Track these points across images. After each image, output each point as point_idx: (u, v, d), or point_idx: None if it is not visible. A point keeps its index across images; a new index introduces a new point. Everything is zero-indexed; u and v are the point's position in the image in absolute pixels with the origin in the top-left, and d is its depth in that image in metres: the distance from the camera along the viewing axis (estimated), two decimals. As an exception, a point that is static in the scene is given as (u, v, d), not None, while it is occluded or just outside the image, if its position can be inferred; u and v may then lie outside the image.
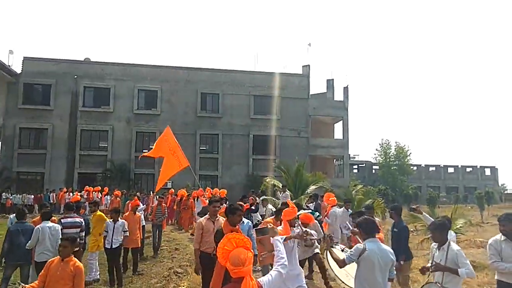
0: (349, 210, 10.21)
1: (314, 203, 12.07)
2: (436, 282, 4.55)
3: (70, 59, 31.60)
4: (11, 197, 25.19)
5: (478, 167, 58.76)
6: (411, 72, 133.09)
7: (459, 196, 43.67)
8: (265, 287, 2.85)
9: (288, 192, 15.49)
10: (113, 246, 8.19)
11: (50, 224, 6.94)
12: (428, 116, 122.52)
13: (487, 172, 59.43)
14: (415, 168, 53.23)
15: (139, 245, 9.86)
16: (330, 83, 36.46)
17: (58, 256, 4.91)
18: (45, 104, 30.02)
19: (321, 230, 8.72)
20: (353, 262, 4.24)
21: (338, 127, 37.49)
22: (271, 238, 3.67)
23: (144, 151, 30.47)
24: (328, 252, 4.75)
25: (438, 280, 4.54)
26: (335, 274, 4.81)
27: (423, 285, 4.78)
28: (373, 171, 54.86)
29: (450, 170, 57.98)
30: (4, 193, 25.66)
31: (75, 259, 4.85)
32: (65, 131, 30.22)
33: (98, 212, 9.00)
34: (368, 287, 4.12)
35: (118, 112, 31.09)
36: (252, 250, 2.86)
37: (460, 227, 12.08)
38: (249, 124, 32.74)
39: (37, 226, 6.82)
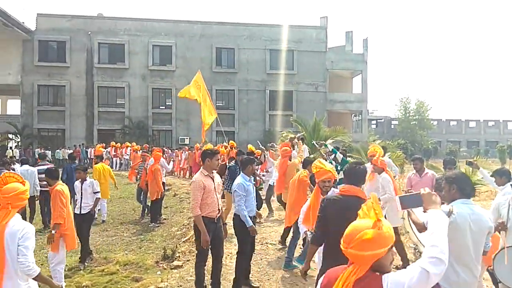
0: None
1: (334, 155, 11.67)
2: None
3: (83, 15, 31.21)
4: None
5: (501, 121, 57.23)
6: (432, 24, 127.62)
7: (480, 150, 42.83)
8: None
9: (305, 146, 15.29)
10: (82, 212, 6.89)
11: (27, 167, 9.22)
12: (450, 70, 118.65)
13: (510, 126, 57.92)
14: (435, 122, 52.11)
15: (158, 197, 9.88)
16: (349, 35, 35.11)
17: None
18: (60, 61, 29.98)
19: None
20: None
21: (356, 81, 36.63)
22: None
23: (161, 107, 31.10)
24: (407, 212, 3.69)
25: None
26: (418, 239, 3.68)
27: (499, 251, 3.96)
28: (392, 126, 54.01)
29: (472, 124, 56.63)
30: (37, 149, 26.15)
31: None
32: (82, 88, 30.36)
33: (97, 165, 10.22)
34: (454, 259, 3.07)
35: (133, 69, 30.92)
36: (380, 223, 1.84)
37: (482, 178, 11.86)
38: (265, 79, 32.22)
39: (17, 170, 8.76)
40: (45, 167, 8.40)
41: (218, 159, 5.20)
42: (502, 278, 3.96)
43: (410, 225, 3.64)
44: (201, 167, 5.11)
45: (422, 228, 3.30)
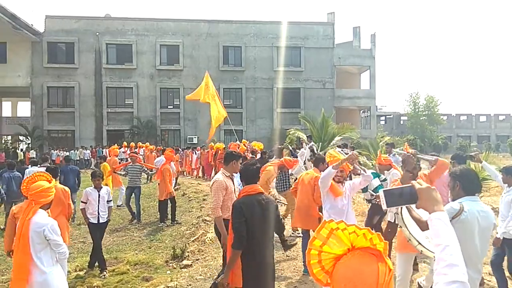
0: None
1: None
2: None
3: (91, 16, 31.48)
4: (61, 154, 25.10)
5: (511, 115, 56.48)
6: (441, 18, 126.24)
7: (491, 145, 42.31)
8: None
9: (313, 143, 15.29)
10: (101, 221, 6.48)
11: (15, 173, 9.58)
12: (460, 64, 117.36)
13: (521, 120, 57.10)
14: (445, 117, 51.56)
15: (168, 197, 9.85)
16: (356, 31, 34.90)
17: None
18: (69, 62, 30.24)
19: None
20: None
21: (364, 77, 36.39)
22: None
23: (169, 107, 31.27)
24: (404, 207, 3.35)
25: None
26: (410, 233, 3.46)
27: None
28: (401, 122, 53.57)
29: (482, 118, 55.89)
30: (53, 150, 26.33)
31: None
32: (91, 89, 30.61)
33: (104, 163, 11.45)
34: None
35: (141, 69, 31.09)
36: (386, 258, 1.40)
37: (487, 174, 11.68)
38: (273, 77, 32.14)
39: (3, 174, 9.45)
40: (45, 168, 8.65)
41: (240, 163, 5.08)
42: None
43: (403, 220, 3.48)
44: (222, 168, 4.96)
45: (426, 225, 3.17)
